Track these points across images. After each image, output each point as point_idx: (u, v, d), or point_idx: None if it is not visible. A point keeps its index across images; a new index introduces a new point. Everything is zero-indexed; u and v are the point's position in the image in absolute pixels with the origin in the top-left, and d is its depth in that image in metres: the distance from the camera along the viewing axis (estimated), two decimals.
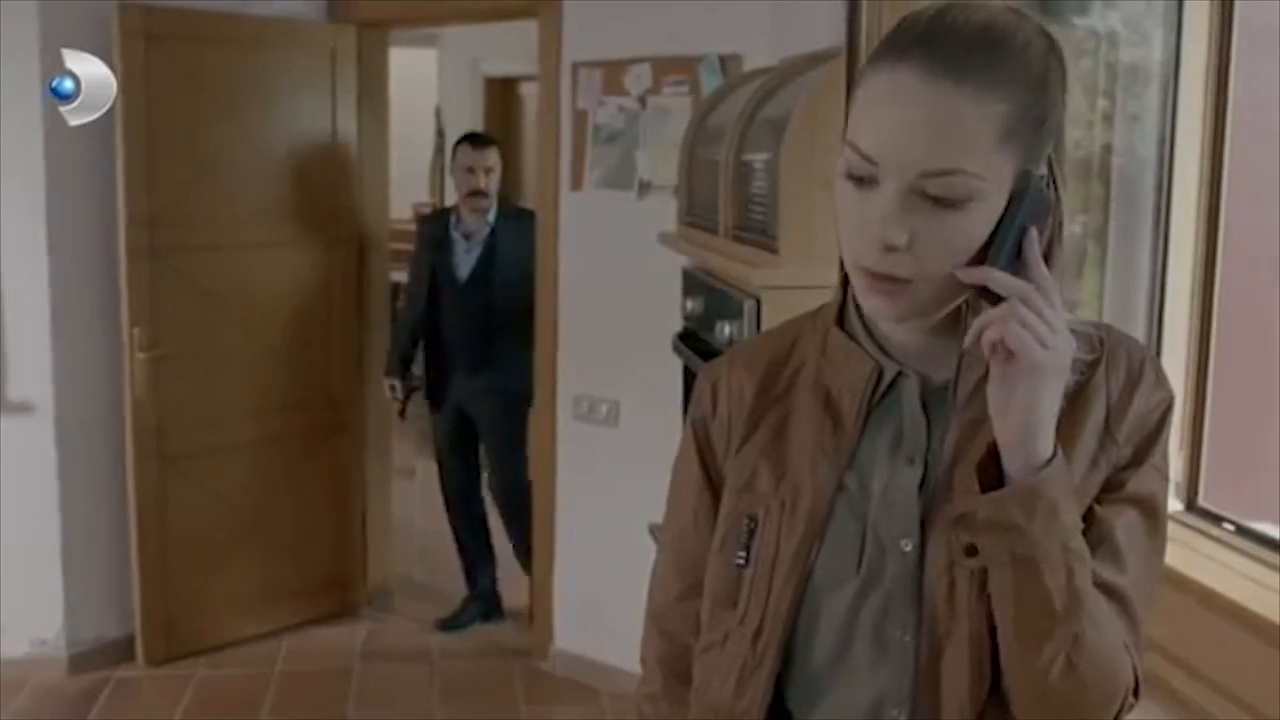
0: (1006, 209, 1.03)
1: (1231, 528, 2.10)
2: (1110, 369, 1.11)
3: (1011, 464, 1.03)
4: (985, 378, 1.06)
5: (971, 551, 1.05)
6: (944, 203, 1.01)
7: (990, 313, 1.02)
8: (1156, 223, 2.15)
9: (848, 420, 1.16)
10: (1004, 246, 1.03)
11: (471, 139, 4.72)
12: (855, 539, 1.13)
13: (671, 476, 1.33)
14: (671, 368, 3.17)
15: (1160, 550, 1.14)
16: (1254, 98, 2.00)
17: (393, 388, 4.76)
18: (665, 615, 1.32)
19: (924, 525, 1.11)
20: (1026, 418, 1.02)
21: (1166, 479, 1.14)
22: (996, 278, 1.02)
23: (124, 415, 4.17)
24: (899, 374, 1.14)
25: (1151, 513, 1.11)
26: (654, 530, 3.62)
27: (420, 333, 4.72)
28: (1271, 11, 2.00)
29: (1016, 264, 1.03)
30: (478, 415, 4.68)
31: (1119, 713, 1.10)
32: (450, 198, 5.16)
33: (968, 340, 1.04)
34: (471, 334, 4.57)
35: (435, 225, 4.81)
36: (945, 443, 1.11)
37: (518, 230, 4.51)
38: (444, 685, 4.24)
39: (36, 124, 3.94)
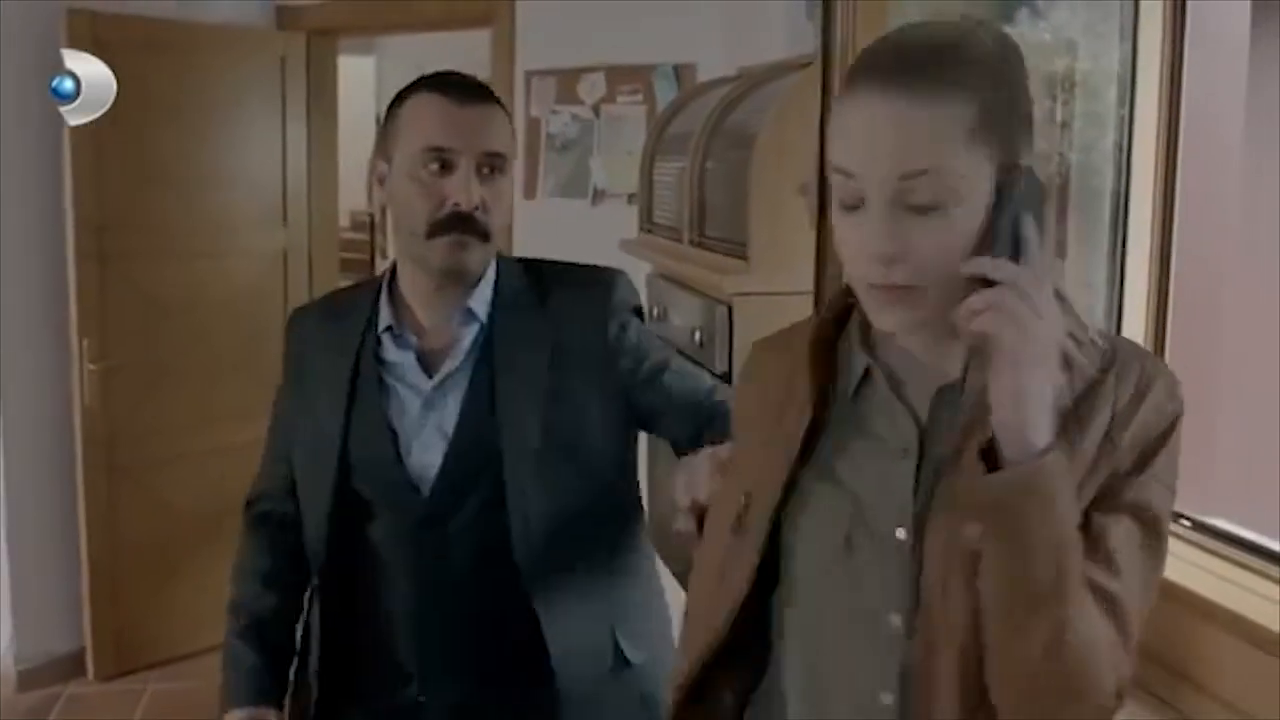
0: (998, 201, 1.07)
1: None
2: (1120, 378, 1.12)
3: (1008, 450, 1.04)
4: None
5: (969, 533, 1.06)
6: (926, 210, 1.06)
7: (973, 299, 1.05)
8: (1115, 231, 2.19)
9: (802, 401, 1.22)
10: (1000, 237, 1.07)
11: (441, 84, 1.72)
12: (845, 527, 1.18)
13: None
14: None
15: (1157, 566, 1.13)
16: (1207, 103, 2.05)
17: None
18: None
19: (920, 518, 1.13)
20: (1014, 405, 1.03)
21: (1171, 493, 1.13)
22: (992, 266, 1.05)
23: (73, 425, 4.11)
24: (868, 368, 1.20)
25: (1151, 524, 1.11)
26: None
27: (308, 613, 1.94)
28: (1222, 15, 2.06)
29: (1015, 253, 1.07)
30: None
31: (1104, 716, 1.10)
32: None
33: (960, 325, 1.06)
34: (466, 639, 1.83)
35: (336, 326, 1.87)
36: (946, 440, 1.14)
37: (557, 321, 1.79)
38: None
39: None
